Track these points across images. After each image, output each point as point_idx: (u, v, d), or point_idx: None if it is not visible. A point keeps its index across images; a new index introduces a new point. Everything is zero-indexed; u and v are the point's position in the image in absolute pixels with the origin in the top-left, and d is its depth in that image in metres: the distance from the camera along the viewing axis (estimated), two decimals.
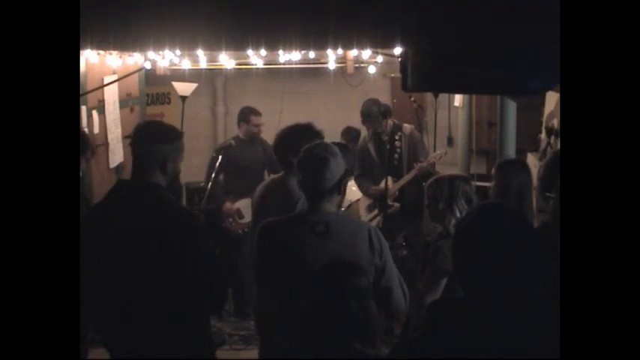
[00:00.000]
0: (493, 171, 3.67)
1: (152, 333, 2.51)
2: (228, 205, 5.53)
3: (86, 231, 2.53)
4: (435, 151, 5.65)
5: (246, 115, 5.64)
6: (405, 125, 5.44)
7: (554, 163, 2.98)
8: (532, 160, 4.84)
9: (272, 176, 3.69)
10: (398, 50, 3.91)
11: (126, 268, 2.49)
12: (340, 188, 2.65)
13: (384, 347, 2.51)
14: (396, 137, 5.29)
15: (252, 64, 6.33)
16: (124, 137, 5.50)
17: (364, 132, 5.87)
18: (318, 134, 3.30)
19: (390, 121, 5.30)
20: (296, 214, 2.70)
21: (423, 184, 5.26)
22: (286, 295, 2.51)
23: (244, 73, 7.35)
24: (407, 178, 5.21)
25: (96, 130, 5.04)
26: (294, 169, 2.74)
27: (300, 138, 3.14)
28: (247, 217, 5.46)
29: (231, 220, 5.57)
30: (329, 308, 2.22)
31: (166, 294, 2.49)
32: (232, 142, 5.52)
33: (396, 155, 5.28)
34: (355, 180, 5.52)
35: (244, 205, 5.55)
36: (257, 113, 5.66)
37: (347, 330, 2.25)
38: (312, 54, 6.05)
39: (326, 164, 2.56)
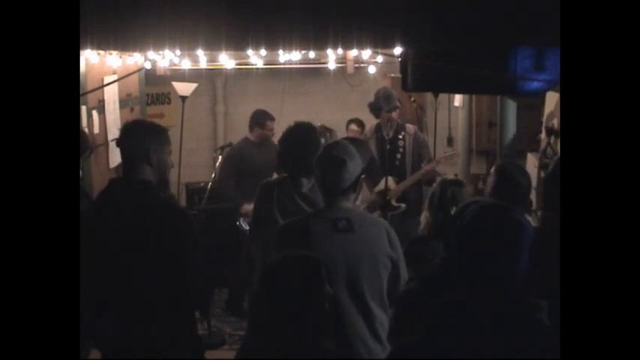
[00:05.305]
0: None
1: (133, 331, 2.51)
2: (245, 207, 5.41)
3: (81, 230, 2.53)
4: (434, 151, 5.63)
5: (262, 119, 5.65)
6: (409, 125, 5.38)
7: (553, 174, 2.88)
8: (532, 161, 4.82)
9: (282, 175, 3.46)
10: (398, 50, 3.91)
11: (115, 265, 2.50)
12: (357, 186, 2.71)
13: (361, 347, 2.50)
14: (400, 136, 5.25)
15: (252, 64, 6.31)
16: (111, 140, 5.43)
17: (367, 126, 5.84)
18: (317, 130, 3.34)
19: (396, 118, 5.25)
20: (314, 212, 2.75)
21: (423, 185, 5.26)
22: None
23: (244, 73, 7.35)
24: (413, 178, 5.14)
25: (96, 130, 5.04)
26: (314, 167, 2.76)
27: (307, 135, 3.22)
28: None
29: (245, 220, 5.51)
30: (297, 304, 2.17)
31: (148, 290, 2.49)
32: (232, 141, 5.52)
33: (398, 155, 5.24)
34: None
35: None
36: (272, 118, 5.69)
37: (316, 328, 2.19)
38: (312, 54, 6.04)
39: (344, 165, 2.60)
